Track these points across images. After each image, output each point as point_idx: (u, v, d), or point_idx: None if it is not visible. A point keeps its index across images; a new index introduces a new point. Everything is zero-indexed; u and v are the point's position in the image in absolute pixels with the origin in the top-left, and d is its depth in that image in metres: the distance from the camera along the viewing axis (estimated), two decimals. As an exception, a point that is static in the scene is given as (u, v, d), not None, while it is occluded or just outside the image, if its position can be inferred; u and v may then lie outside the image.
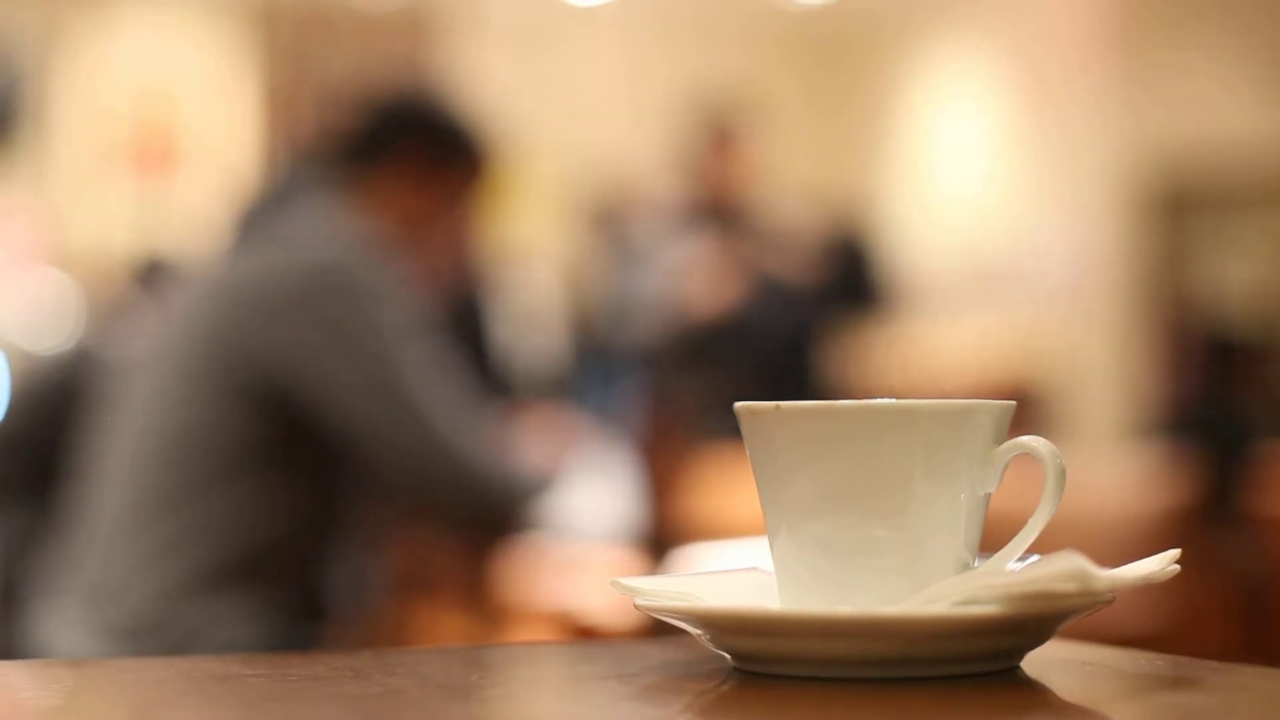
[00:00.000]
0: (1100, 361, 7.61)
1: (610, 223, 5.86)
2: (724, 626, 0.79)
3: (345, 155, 2.47)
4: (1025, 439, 0.81)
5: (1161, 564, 0.81)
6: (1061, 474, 0.80)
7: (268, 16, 8.25)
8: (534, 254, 7.13)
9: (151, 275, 4.16)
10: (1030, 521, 0.81)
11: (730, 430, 0.88)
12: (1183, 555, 0.83)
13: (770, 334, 4.48)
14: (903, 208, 8.85)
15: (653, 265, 4.63)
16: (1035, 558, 0.82)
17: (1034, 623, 0.77)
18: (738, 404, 0.83)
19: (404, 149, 2.46)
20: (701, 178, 4.78)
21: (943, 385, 6.92)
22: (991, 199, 8.33)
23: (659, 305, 4.54)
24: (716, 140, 4.77)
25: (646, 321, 4.57)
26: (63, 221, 7.75)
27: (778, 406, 0.81)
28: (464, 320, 4.30)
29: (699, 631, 0.80)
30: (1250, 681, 0.79)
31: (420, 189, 2.47)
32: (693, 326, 4.46)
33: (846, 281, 4.68)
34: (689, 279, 4.51)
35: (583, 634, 2.84)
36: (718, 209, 4.67)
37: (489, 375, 4.25)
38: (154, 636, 2.17)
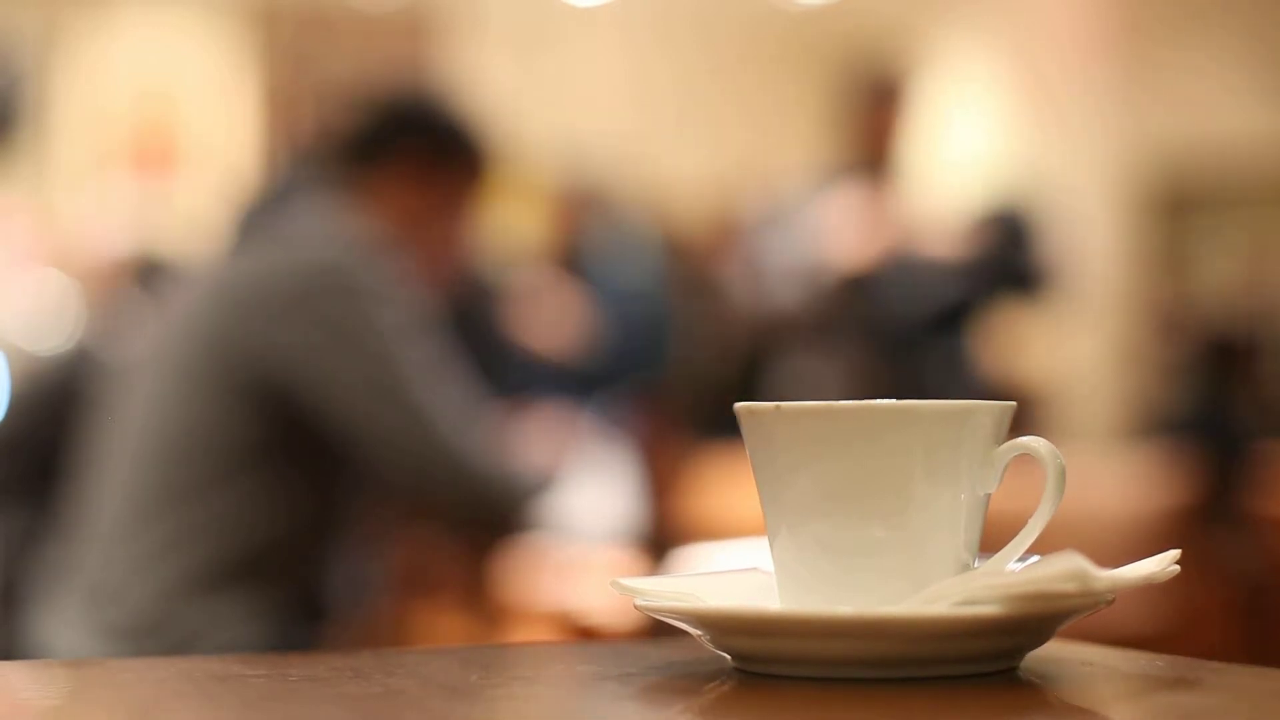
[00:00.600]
0: (1100, 361, 7.61)
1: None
2: (724, 627, 0.79)
3: (345, 156, 2.47)
4: (1025, 439, 0.81)
5: (1161, 564, 0.81)
6: (1061, 474, 0.80)
7: (268, 17, 8.25)
8: (532, 252, 7.13)
9: (151, 276, 4.16)
10: (1030, 522, 0.81)
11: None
12: (1183, 555, 0.83)
13: (914, 313, 4.15)
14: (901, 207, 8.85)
15: (793, 225, 4.31)
16: (1035, 558, 0.82)
17: (1034, 623, 0.77)
18: (737, 404, 0.84)
19: (404, 149, 2.46)
20: (856, 136, 4.45)
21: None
22: (991, 199, 8.32)
23: (799, 266, 4.22)
24: (874, 96, 4.45)
25: (784, 285, 4.26)
26: (63, 222, 7.75)
27: (778, 407, 0.81)
28: (470, 319, 4.24)
29: (699, 632, 0.80)
30: (1250, 682, 0.79)
31: (420, 189, 2.47)
32: (837, 283, 4.14)
33: (1002, 261, 4.31)
34: (833, 232, 4.18)
35: (583, 634, 2.84)
36: (871, 169, 4.35)
37: (495, 374, 4.19)
38: (154, 636, 2.17)
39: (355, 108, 2.62)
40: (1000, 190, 4.91)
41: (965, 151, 8.58)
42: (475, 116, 2.61)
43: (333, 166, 2.46)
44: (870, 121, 4.44)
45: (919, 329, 4.15)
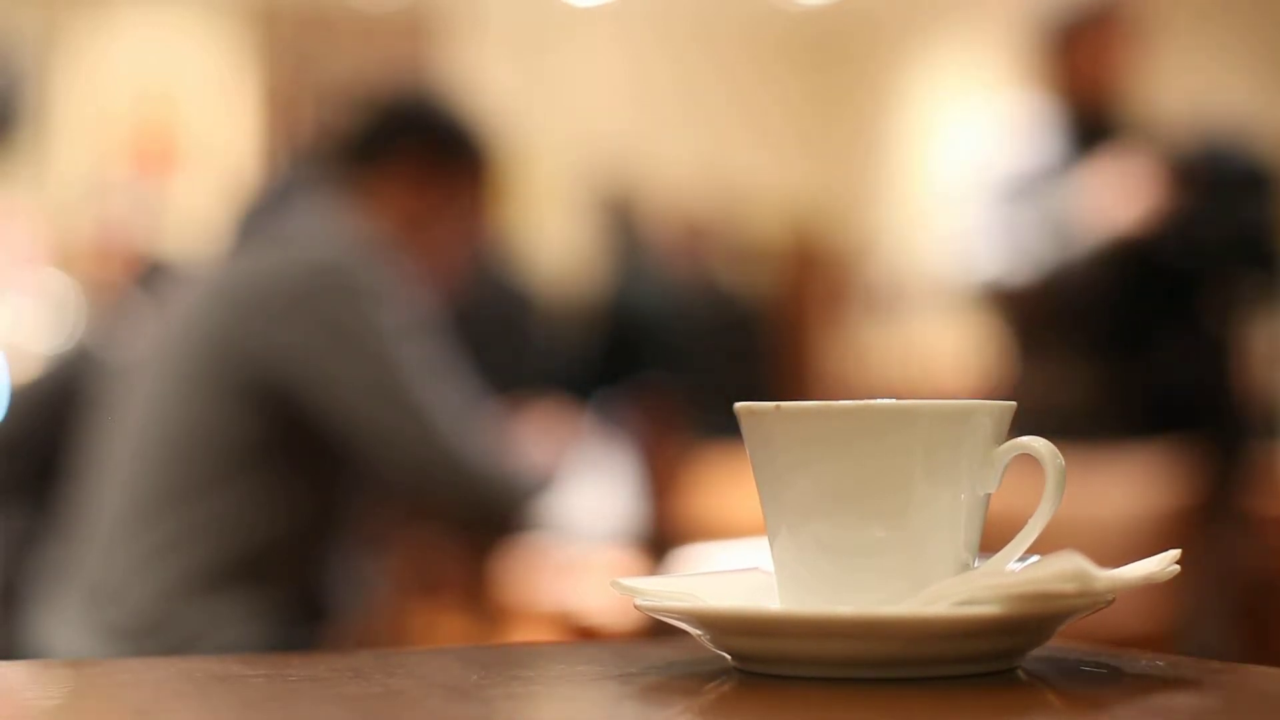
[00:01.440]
0: (1100, 362, 7.60)
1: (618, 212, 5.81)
2: (724, 627, 0.79)
3: (345, 156, 2.47)
4: (1025, 439, 0.81)
5: (1161, 564, 0.81)
6: (1061, 474, 0.80)
7: (268, 17, 8.25)
8: (532, 252, 7.13)
9: (152, 276, 4.16)
10: (1030, 522, 0.81)
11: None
12: (1182, 555, 0.83)
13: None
14: (902, 208, 8.85)
15: (1043, 193, 3.70)
16: (1035, 558, 0.82)
17: (1034, 623, 0.77)
18: (737, 404, 0.84)
19: (404, 150, 2.46)
20: (1064, 83, 3.77)
21: (942, 385, 6.91)
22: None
23: (1061, 233, 3.64)
24: (1080, 26, 3.72)
25: (1038, 256, 3.64)
26: (63, 221, 7.75)
27: (778, 407, 0.81)
28: (500, 314, 4.15)
29: (699, 632, 0.80)
30: (1250, 682, 0.79)
31: (420, 190, 2.47)
32: (1115, 243, 3.53)
33: (1225, 220, 3.57)
34: (1101, 193, 3.57)
35: (583, 634, 2.84)
36: (1090, 118, 3.74)
37: (525, 368, 4.12)
38: (154, 637, 2.17)
39: (355, 108, 2.63)
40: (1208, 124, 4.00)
41: (964, 149, 8.58)
42: (476, 116, 2.61)
43: (333, 167, 2.46)
44: (1079, 57, 3.70)
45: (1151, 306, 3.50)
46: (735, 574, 0.89)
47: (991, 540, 0.83)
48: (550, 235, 7.48)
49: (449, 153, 2.50)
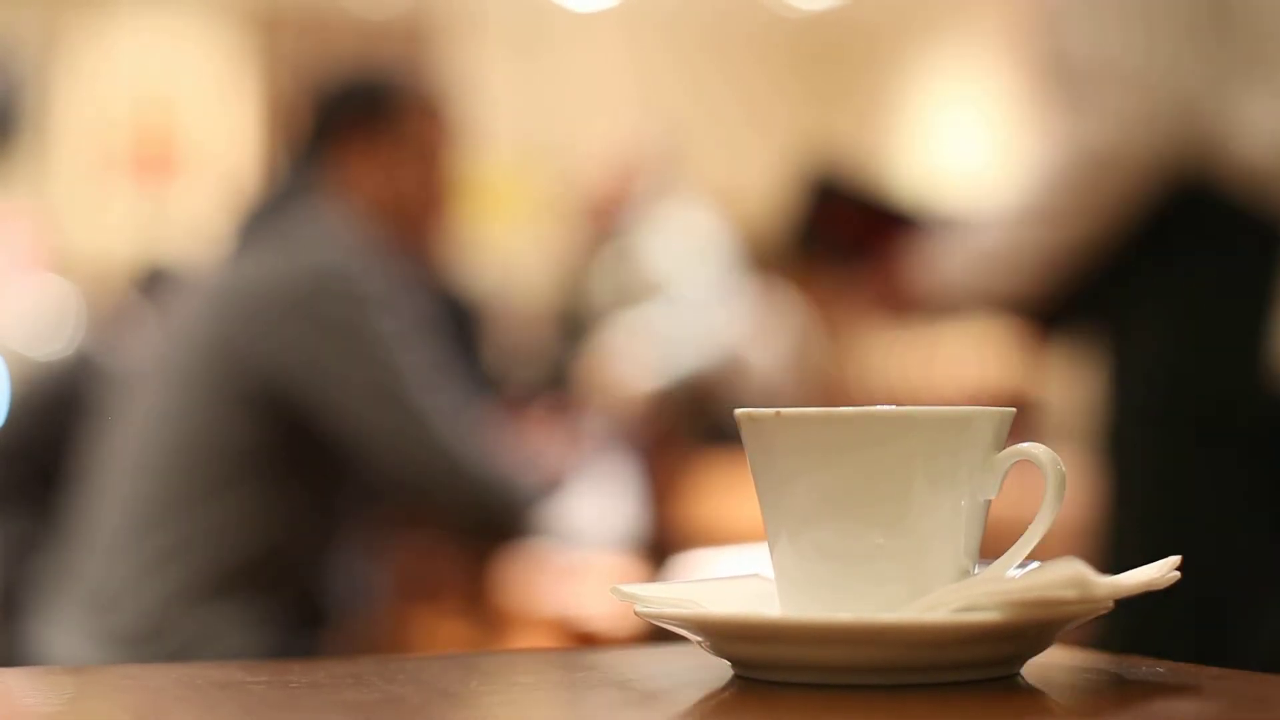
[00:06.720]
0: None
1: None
2: (724, 633, 0.79)
3: (311, 157, 2.46)
4: (1025, 445, 0.81)
5: (1161, 570, 0.81)
6: (1062, 480, 0.80)
7: (268, 22, 8.26)
8: (531, 256, 7.14)
9: (152, 282, 4.16)
10: (1030, 528, 0.81)
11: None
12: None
13: None
14: (903, 213, 8.84)
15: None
16: (1035, 564, 0.82)
17: (1034, 629, 0.77)
18: (738, 410, 0.84)
19: (344, 131, 2.45)
20: None
21: (942, 390, 6.91)
22: (991, 202, 8.33)
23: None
24: None
25: None
26: (63, 227, 7.75)
27: (778, 413, 0.81)
28: (451, 321, 4.15)
29: (699, 638, 0.80)
30: (1250, 688, 0.79)
31: (373, 159, 2.46)
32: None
33: None
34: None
35: (583, 640, 2.84)
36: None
37: (477, 378, 4.13)
38: (155, 643, 2.17)
39: (298, 110, 2.61)
40: None
41: (965, 151, 8.59)
42: (399, 70, 2.60)
43: (310, 168, 2.46)
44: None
45: None
46: (735, 580, 0.89)
47: (992, 547, 0.83)
48: (549, 241, 7.48)
49: (380, 111, 2.48)
